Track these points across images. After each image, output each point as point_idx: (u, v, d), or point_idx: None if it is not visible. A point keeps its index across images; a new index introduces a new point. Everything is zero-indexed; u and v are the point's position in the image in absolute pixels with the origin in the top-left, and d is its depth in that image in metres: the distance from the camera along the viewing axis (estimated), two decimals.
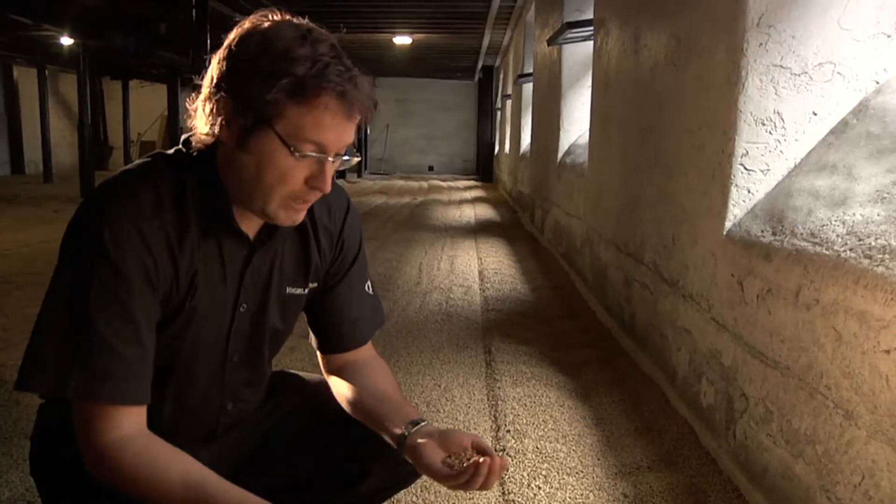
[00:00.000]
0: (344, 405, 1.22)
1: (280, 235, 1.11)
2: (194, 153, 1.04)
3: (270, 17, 0.98)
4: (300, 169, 0.98)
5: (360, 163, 17.55)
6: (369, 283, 1.29)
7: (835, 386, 1.47)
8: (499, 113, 15.18)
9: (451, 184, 15.81)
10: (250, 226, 1.08)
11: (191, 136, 1.04)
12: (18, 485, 1.84)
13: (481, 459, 1.00)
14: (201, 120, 1.00)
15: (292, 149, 0.95)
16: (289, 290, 1.17)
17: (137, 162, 1.06)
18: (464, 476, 1.00)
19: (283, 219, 1.02)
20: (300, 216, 1.04)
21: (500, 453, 2.07)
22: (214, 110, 0.98)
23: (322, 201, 1.18)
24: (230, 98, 0.96)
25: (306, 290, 1.19)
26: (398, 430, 1.09)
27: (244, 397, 1.22)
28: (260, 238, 1.10)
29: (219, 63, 0.98)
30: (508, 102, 11.83)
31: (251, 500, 0.96)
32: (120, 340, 0.95)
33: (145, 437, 0.99)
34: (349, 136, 1.00)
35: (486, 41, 12.16)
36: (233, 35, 0.98)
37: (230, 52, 0.97)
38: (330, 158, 0.99)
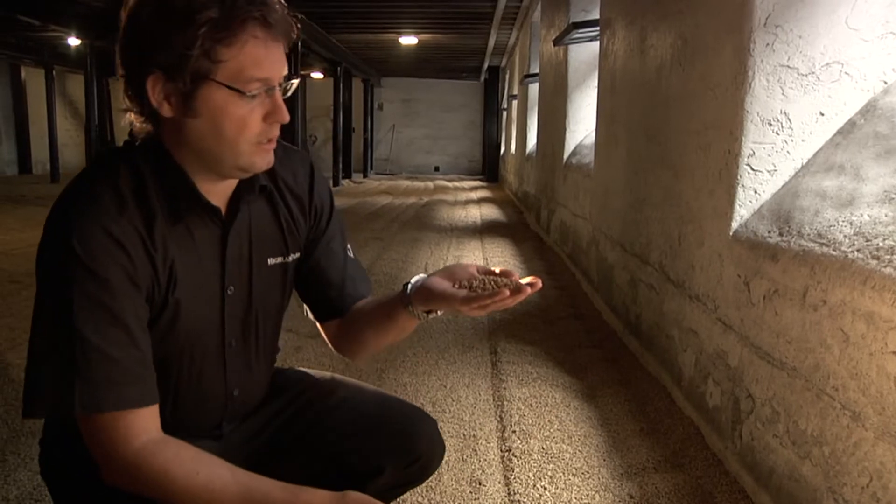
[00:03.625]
0: (354, 342, 1.23)
1: (247, 204, 1.09)
2: (139, 142, 1.02)
3: None
4: (255, 109, 0.97)
5: (365, 160, 17.67)
6: (349, 247, 1.27)
7: (842, 387, 1.46)
8: (504, 113, 15.18)
9: (457, 184, 15.81)
10: (218, 199, 1.06)
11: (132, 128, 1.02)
12: (26, 483, 1.84)
13: (524, 280, 1.00)
14: (134, 110, 0.99)
15: (241, 91, 0.94)
16: (270, 260, 1.15)
17: (90, 164, 1.05)
18: (488, 298, 0.99)
19: (260, 164, 1.01)
20: (272, 156, 1.03)
21: (506, 453, 2.08)
22: (145, 92, 0.95)
23: (286, 166, 1.16)
24: (157, 70, 0.94)
25: (289, 259, 1.17)
26: (399, 291, 1.12)
27: (250, 381, 1.20)
28: (230, 212, 1.08)
29: (126, 44, 0.96)
30: (514, 103, 11.82)
31: (303, 493, 0.97)
32: (114, 346, 0.94)
33: (173, 440, 0.98)
34: (284, 59, 0.99)
35: (491, 41, 12.17)
36: (125, 13, 0.96)
37: (132, 28, 0.95)
38: (277, 88, 0.98)
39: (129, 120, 1.01)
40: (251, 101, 0.96)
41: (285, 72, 0.99)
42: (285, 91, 1.01)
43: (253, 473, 0.99)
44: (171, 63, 0.93)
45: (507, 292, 0.98)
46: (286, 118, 0.99)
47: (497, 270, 1.06)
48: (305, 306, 1.26)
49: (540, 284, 0.99)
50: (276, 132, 1.01)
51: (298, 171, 1.18)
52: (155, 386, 0.99)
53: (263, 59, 0.95)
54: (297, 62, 9.92)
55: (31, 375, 0.94)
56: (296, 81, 1.03)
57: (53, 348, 0.93)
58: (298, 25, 1.01)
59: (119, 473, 0.95)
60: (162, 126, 0.99)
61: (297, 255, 1.19)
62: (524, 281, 1.01)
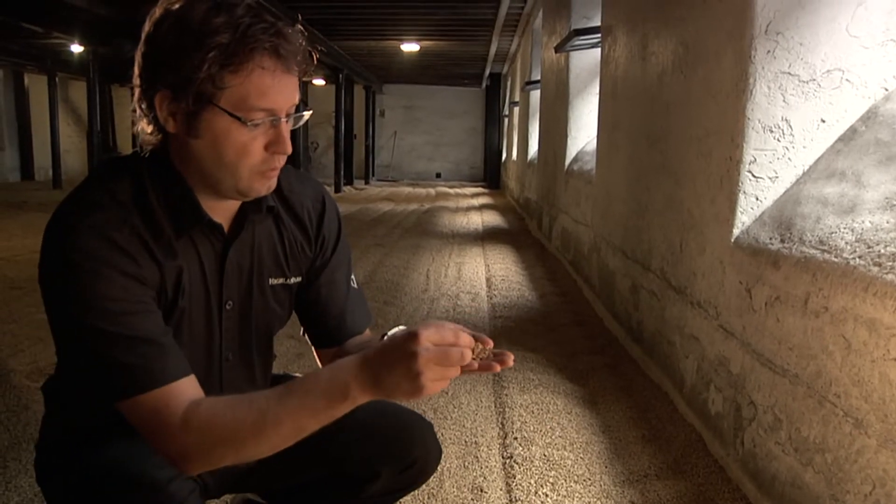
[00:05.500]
0: None
1: (253, 224, 1.10)
2: (146, 154, 1.02)
3: None
4: (258, 138, 0.97)
5: (367, 167, 17.71)
6: (353, 277, 1.27)
7: (844, 394, 1.46)
8: (506, 120, 15.20)
9: (459, 190, 15.82)
10: (221, 216, 1.06)
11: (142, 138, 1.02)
12: (27, 489, 1.84)
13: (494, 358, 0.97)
14: (143, 120, 0.99)
15: (243, 119, 0.94)
16: (271, 280, 1.15)
17: (92, 172, 1.04)
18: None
19: (259, 189, 1.01)
20: (273, 181, 1.03)
21: (508, 460, 2.07)
22: (154, 106, 0.96)
23: (299, 193, 1.17)
24: (165, 88, 0.95)
25: (290, 281, 1.17)
26: (378, 340, 1.08)
27: None
28: (234, 229, 1.08)
29: (142, 57, 0.96)
30: (516, 109, 11.84)
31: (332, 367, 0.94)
32: (134, 330, 0.93)
33: (208, 397, 0.97)
34: (294, 91, 0.98)
35: (493, 48, 12.19)
36: (147, 25, 0.96)
37: (149, 42, 0.95)
38: (283, 119, 0.98)
39: (139, 128, 1.01)
40: (253, 130, 0.96)
41: (295, 102, 0.98)
42: (295, 122, 1.00)
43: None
44: (177, 82, 0.93)
45: (476, 366, 0.95)
46: (288, 150, 0.99)
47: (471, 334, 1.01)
48: (304, 331, 1.27)
49: (511, 362, 0.97)
50: (277, 162, 1.01)
51: (311, 200, 1.18)
52: (185, 359, 0.98)
53: (269, 89, 0.95)
54: None
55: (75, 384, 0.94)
56: (307, 114, 1.02)
57: (82, 356, 0.94)
58: (317, 56, 1.01)
59: (175, 445, 0.93)
60: (169, 140, 1.00)
61: (299, 279, 1.19)
62: (496, 352, 0.98)
